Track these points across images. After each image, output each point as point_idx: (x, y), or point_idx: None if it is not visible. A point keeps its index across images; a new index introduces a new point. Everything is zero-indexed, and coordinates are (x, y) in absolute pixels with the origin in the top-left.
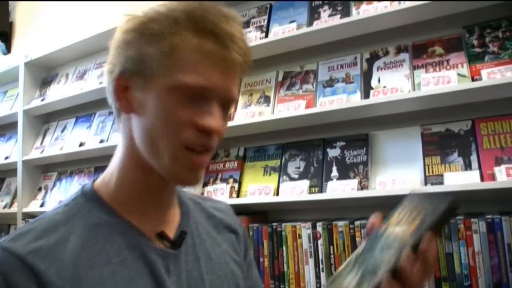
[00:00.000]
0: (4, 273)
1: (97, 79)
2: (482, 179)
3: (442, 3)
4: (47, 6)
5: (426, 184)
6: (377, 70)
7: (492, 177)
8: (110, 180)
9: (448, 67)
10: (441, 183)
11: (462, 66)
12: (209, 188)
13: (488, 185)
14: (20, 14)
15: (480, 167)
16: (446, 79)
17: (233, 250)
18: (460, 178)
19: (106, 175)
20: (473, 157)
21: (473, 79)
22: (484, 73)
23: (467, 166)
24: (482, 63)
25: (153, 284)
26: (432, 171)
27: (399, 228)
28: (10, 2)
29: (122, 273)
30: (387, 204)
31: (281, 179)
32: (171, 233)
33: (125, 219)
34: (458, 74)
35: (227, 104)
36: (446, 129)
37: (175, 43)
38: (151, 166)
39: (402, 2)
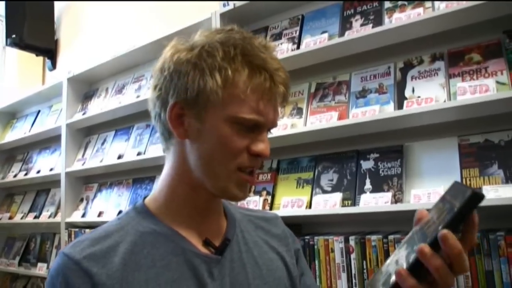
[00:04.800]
0: (64, 275)
1: (135, 93)
2: None
3: (479, 8)
4: (89, 24)
5: None
6: (411, 79)
7: None
8: (160, 196)
9: (486, 74)
10: None
11: (502, 74)
12: (242, 200)
13: None
14: (64, 32)
15: None
16: (484, 87)
17: (281, 258)
18: (500, 192)
19: (155, 192)
20: None
21: None
22: None
23: (508, 179)
24: None
25: (196, 286)
26: (470, 184)
27: (429, 224)
28: (55, 20)
29: (166, 276)
30: None
31: (314, 192)
32: (217, 241)
33: (172, 228)
34: (497, 82)
35: (270, 129)
36: (485, 140)
37: (230, 77)
38: (201, 184)
39: (436, 9)
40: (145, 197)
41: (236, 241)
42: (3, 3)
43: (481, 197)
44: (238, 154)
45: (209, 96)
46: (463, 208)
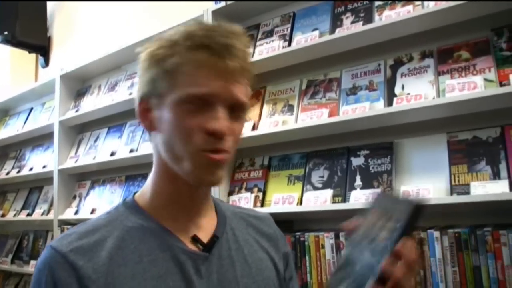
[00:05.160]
0: (50, 268)
1: (127, 90)
2: (511, 188)
3: (468, 6)
4: (81, 21)
5: (452, 193)
6: (401, 76)
7: None
8: (147, 191)
9: (474, 72)
10: (468, 192)
11: (490, 71)
12: (234, 197)
13: None
14: (57, 29)
15: (509, 176)
16: (472, 84)
17: (270, 258)
18: (488, 188)
19: (144, 187)
20: (502, 166)
21: (501, 84)
22: None
23: (496, 175)
24: (511, 67)
25: (182, 282)
26: (458, 181)
27: (374, 233)
28: (48, 17)
29: (152, 271)
30: None
31: (305, 188)
32: (207, 238)
33: (160, 223)
34: (485, 79)
35: (235, 107)
36: (473, 137)
37: (175, 62)
38: (177, 175)
39: (425, 6)
40: (135, 193)
41: (226, 238)
42: None
43: (424, 205)
44: (192, 134)
45: (161, 84)
46: (412, 220)
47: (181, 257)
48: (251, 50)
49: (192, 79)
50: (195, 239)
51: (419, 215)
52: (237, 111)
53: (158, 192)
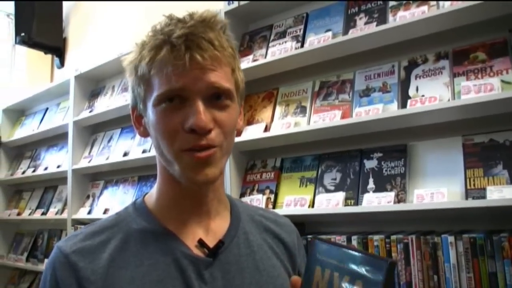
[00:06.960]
0: (54, 267)
1: None
2: None
3: (485, 6)
4: (96, 22)
5: (467, 198)
6: (415, 78)
7: None
8: (154, 193)
9: (491, 73)
10: (483, 197)
11: (507, 73)
12: (246, 198)
13: None
14: (72, 30)
15: None
16: (489, 86)
17: (283, 266)
18: (505, 192)
19: (153, 189)
20: None
21: None
22: None
23: None
24: None
25: (182, 287)
26: (474, 185)
27: None
28: (63, 18)
29: (152, 275)
30: (424, 219)
31: (317, 191)
32: (214, 241)
33: (165, 226)
34: (502, 81)
35: (218, 95)
36: (490, 140)
37: (144, 66)
38: (174, 177)
39: (441, 6)
40: (146, 193)
41: (237, 243)
42: (13, 1)
43: (396, 263)
44: (174, 134)
45: (139, 91)
46: (388, 281)
47: (183, 262)
48: (227, 32)
49: (161, 78)
50: (201, 244)
51: (393, 275)
52: (221, 99)
53: (162, 195)
